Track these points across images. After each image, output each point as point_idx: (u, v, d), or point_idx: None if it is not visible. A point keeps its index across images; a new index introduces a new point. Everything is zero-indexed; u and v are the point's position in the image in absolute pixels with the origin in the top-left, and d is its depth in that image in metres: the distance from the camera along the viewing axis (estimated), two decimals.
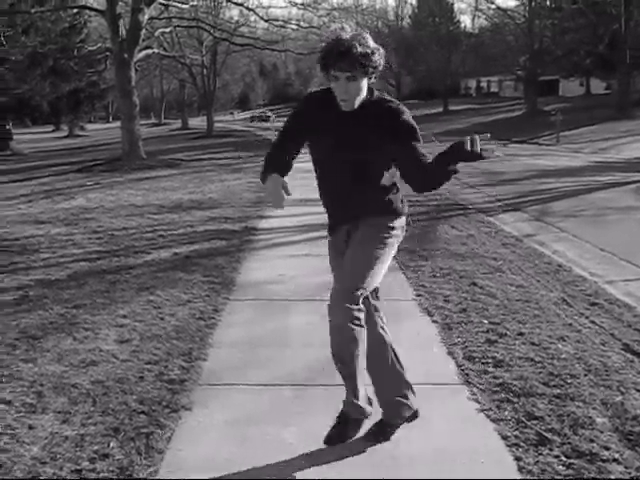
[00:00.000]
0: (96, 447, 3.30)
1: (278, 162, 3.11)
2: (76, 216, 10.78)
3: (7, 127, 36.11)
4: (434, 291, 5.94)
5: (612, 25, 37.07)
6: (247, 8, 24.61)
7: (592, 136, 29.84)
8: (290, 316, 5.35)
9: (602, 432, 3.38)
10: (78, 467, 3.12)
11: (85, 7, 23.05)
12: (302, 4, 21.48)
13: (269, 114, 56.74)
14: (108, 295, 5.98)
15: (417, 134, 2.99)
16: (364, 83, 2.92)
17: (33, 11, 20.91)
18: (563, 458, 3.16)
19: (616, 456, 3.15)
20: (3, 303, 5.86)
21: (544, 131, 32.74)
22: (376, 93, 3.03)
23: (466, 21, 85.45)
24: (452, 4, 64.83)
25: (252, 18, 31.63)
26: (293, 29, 25.39)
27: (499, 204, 11.63)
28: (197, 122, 63.64)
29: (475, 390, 3.92)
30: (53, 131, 61.29)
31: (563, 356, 4.38)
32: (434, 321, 5.17)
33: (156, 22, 24.30)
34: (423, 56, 59.12)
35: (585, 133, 31.22)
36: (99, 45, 25.54)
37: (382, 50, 2.92)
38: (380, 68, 2.92)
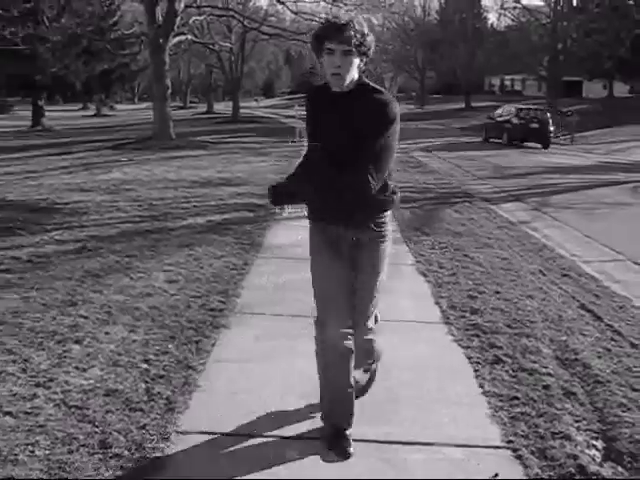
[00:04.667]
0: (158, 347, 4.37)
1: (293, 177, 3.25)
2: (116, 187, 11.87)
3: (40, 104, 37.44)
4: (431, 259, 6.96)
5: (634, 29, 37.63)
6: (279, 1, 25.54)
7: (607, 138, 30.58)
8: (307, 270, 6.37)
9: (545, 358, 4.40)
10: (146, 358, 4.18)
11: None
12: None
13: None
14: (154, 249, 7.06)
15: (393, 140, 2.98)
16: (356, 62, 2.91)
17: None
18: (510, 372, 4.18)
19: (551, 372, 4.17)
20: (66, 251, 6.95)
21: (561, 131, 33.43)
22: (364, 79, 3.03)
23: (492, 18, 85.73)
24: (479, 1, 65.46)
25: (279, 7, 32.67)
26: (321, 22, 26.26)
27: (503, 195, 12.60)
28: (221, 107, 64.82)
29: (452, 328, 4.95)
30: (80, 109, 62.66)
31: (528, 309, 5.40)
32: (427, 281, 6.20)
33: (190, 10, 25.38)
34: (448, 52, 59.74)
35: (600, 135, 31.93)
36: (134, 29, 26.69)
37: (373, 37, 2.95)
38: (371, 54, 2.96)
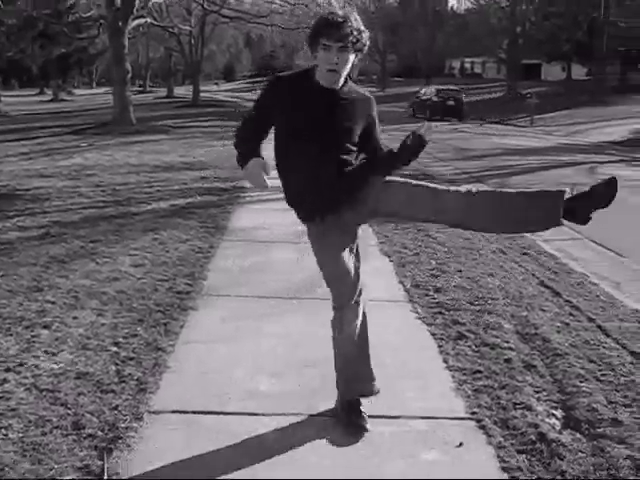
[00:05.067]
0: (127, 330, 4.40)
1: (253, 143, 3.14)
2: (77, 172, 11.76)
3: None
4: (394, 240, 7.08)
5: (591, 13, 38.21)
6: None
7: (565, 120, 31.05)
8: (271, 253, 6.48)
9: (506, 333, 4.54)
10: (116, 341, 4.22)
11: None
12: None
13: None
14: (119, 234, 7.05)
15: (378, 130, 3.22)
16: (352, 59, 2.95)
17: None
18: (473, 347, 4.31)
19: (512, 346, 4.31)
20: (29, 237, 6.91)
21: (521, 113, 33.89)
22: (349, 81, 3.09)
23: (452, 1, 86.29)
24: None
25: None
26: (281, 5, 26.29)
27: (464, 176, 12.77)
28: (182, 91, 64.19)
29: (417, 306, 5.06)
30: (37, 94, 61.50)
31: (490, 286, 5.54)
32: (391, 261, 6.31)
33: None
34: (409, 35, 59.93)
35: (559, 117, 32.41)
36: (92, 12, 26.26)
37: (368, 33, 2.99)
38: (365, 50, 3.00)
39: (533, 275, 5.96)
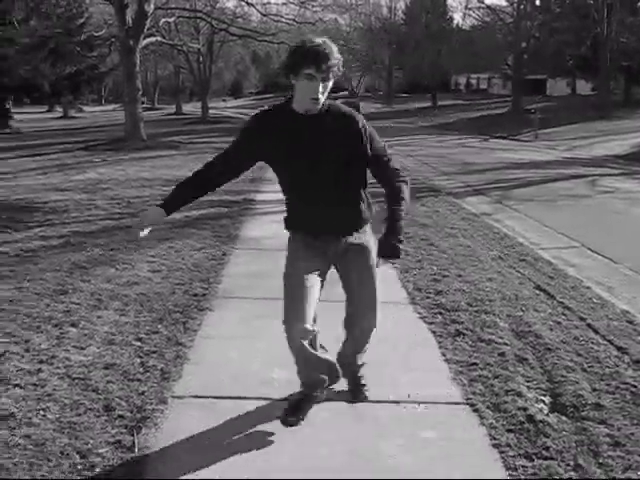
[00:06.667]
0: (148, 328, 4.75)
1: (186, 190, 3.31)
2: (93, 186, 12.18)
3: (7, 106, 37.34)
4: None
5: (594, 29, 38.61)
6: (247, 3, 26.00)
7: (569, 134, 31.37)
8: (280, 260, 6.77)
9: (502, 331, 4.87)
10: (139, 337, 4.57)
11: None
12: (301, 1, 22.92)
13: None
14: (136, 242, 7.39)
15: (377, 140, 3.18)
16: (330, 86, 3.01)
17: None
18: (470, 343, 4.63)
19: (507, 342, 4.64)
20: (51, 246, 7.28)
21: (525, 128, 34.22)
22: (328, 100, 3.11)
23: (457, 18, 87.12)
24: (444, 0, 66.33)
25: (247, 9, 33.24)
26: (289, 24, 26.85)
27: (467, 189, 13.11)
28: (189, 108, 64.89)
29: (418, 307, 5.40)
30: (47, 111, 62.27)
31: (487, 289, 5.87)
32: (395, 267, 6.63)
33: (159, 12, 25.65)
34: (415, 51, 60.47)
35: (564, 131, 32.72)
36: (104, 31, 26.85)
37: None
38: (339, 75, 3.04)
39: (529, 279, 6.28)
